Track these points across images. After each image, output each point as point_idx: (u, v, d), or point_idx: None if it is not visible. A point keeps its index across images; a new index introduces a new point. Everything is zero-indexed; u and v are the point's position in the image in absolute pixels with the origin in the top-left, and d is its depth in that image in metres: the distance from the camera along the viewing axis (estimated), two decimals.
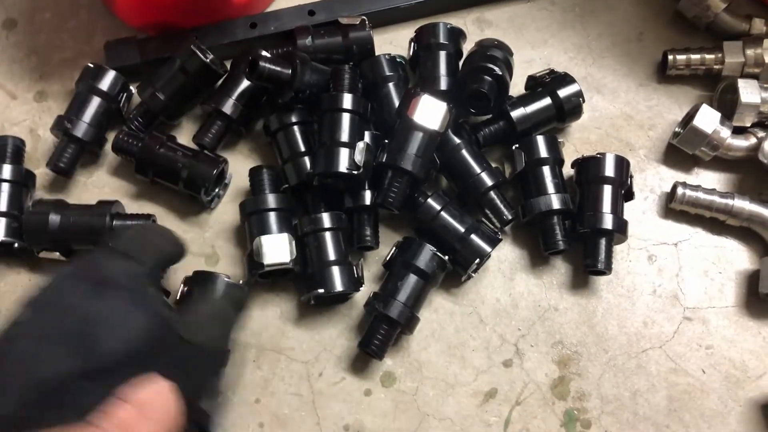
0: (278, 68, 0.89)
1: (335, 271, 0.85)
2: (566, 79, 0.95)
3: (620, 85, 1.02)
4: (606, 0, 1.08)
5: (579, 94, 0.94)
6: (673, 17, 1.05)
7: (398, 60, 0.95)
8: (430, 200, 0.87)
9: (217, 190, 0.94)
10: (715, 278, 0.93)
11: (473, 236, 0.86)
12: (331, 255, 0.85)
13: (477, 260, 0.85)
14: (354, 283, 0.86)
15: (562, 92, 0.94)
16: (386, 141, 0.87)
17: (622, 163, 0.90)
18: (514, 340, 0.89)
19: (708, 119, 0.93)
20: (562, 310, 0.91)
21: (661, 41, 1.04)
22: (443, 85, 0.93)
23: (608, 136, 1.00)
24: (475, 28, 1.05)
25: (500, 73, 0.89)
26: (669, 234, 0.95)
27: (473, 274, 0.88)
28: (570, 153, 0.97)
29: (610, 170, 0.89)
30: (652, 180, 0.97)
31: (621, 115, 1.01)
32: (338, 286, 0.84)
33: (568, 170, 0.94)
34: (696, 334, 0.90)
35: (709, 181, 0.97)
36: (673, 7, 1.05)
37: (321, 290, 0.83)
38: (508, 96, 0.94)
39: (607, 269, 0.88)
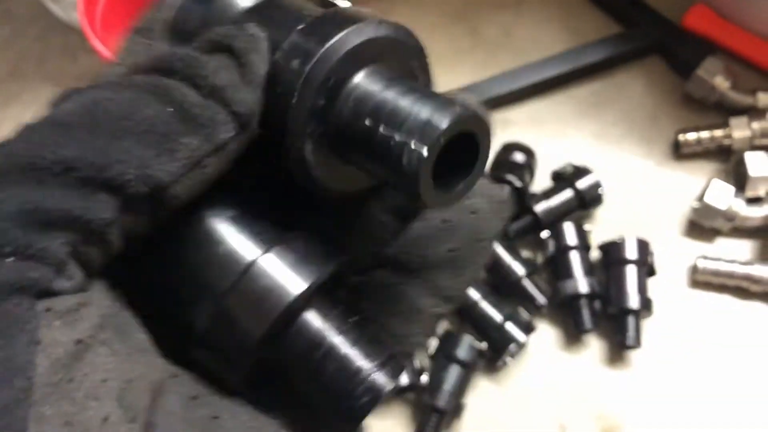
0: None
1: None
2: (585, 172, 1.04)
3: (639, 166, 1.11)
4: (619, 88, 1.17)
5: (598, 185, 1.03)
6: (684, 97, 1.14)
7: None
8: (469, 291, 0.98)
9: None
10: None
11: (507, 324, 0.96)
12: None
13: (511, 348, 0.95)
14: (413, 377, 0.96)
15: (582, 184, 1.03)
16: None
17: (641, 245, 0.98)
18: (557, 416, 0.97)
19: (720, 193, 1.00)
20: (598, 383, 0.98)
21: (674, 121, 1.12)
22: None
23: (633, 215, 1.08)
24: (500, 128, 1.16)
25: (519, 185, 1.02)
26: (697, 304, 1.01)
27: (508, 360, 0.97)
28: (598, 234, 1.05)
29: (631, 253, 0.97)
30: (677, 254, 1.04)
31: (643, 194, 1.09)
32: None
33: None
34: None
35: (734, 250, 1.03)
36: (682, 89, 1.13)
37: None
38: (532, 194, 1.05)
39: (636, 345, 0.95)
